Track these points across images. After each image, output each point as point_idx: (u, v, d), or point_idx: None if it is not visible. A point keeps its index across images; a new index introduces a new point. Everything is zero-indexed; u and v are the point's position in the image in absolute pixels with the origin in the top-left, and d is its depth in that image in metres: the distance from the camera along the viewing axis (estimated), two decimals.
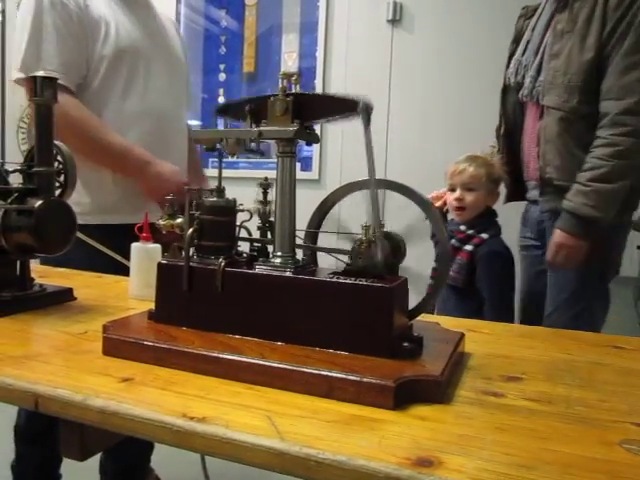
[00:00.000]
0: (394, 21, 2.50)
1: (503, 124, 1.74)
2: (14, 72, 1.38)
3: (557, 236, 1.49)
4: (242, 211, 0.75)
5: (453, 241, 1.64)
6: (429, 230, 0.74)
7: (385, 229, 0.73)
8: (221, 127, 0.75)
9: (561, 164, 1.50)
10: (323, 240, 0.79)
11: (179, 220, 0.78)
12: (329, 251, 0.76)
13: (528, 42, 1.62)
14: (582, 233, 1.46)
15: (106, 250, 1.31)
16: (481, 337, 0.85)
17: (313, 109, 0.70)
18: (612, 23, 1.40)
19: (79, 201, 1.32)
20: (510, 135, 1.72)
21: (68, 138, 1.23)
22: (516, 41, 1.69)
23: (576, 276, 1.54)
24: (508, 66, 1.68)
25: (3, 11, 3.40)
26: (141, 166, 1.38)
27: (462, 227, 1.67)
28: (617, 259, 1.64)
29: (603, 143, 1.43)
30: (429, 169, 2.31)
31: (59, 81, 1.21)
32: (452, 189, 1.69)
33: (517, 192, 1.75)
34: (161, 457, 1.66)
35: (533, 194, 1.67)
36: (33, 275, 0.97)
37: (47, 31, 1.33)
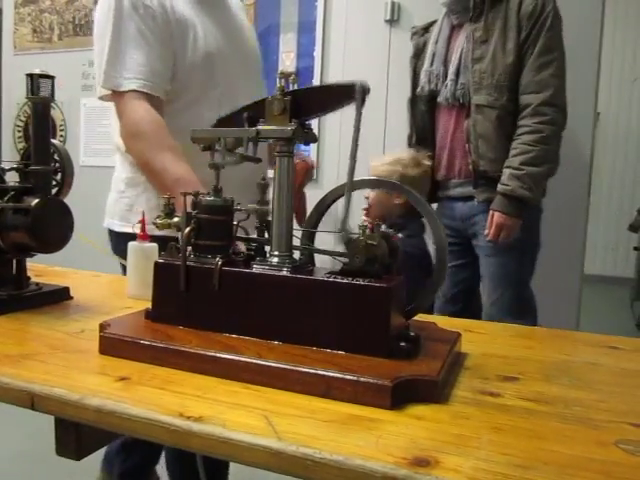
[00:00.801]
0: (392, 21, 2.49)
1: (414, 133, 1.92)
2: (98, 88, 1.27)
3: (497, 218, 1.67)
4: (239, 210, 0.75)
5: None
6: None
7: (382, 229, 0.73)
8: None
9: (494, 157, 1.68)
10: (322, 239, 0.79)
11: (176, 219, 0.78)
12: (326, 253, 0.76)
13: (434, 54, 1.85)
14: (518, 213, 1.67)
15: (104, 250, 1.30)
16: (478, 337, 0.86)
17: (311, 104, 0.70)
18: (526, 30, 1.65)
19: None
20: (421, 142, 1.89)
21: (130, 149, 1.24)
22: (416, 56, 1.93)
23: (513, 258, 1.74)
24: (414, 79, 1.91)
25: (0, 9, 3.39)
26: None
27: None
28: (538, 238, 1.85)
29: (527, 131, 1.63)
30: None
31: (147, 91, 1.19)
32: None
33: (431, 194, 1.92)
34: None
35: (459, 191, 1.82)
36: (29, 274, 0.96)
37: (130, 38, 1.20)
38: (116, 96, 1.22)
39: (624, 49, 5.80)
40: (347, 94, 0.67)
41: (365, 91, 0.66)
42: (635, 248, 4.97)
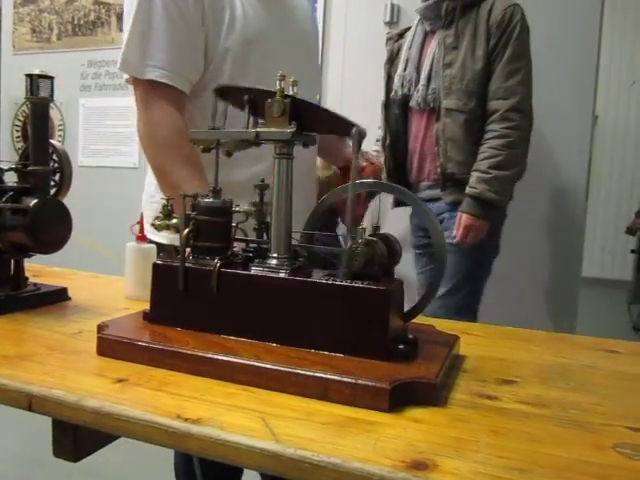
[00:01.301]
0: (391, 23, 2.50)
1: (388, 136, 1.96)
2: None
3: (464, 220, 1.71)
4: (238, 212, 0.75)
5: None
6: None
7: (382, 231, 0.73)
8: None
9: (462, 160, 1.73)
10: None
11: (174, 220, 0.78)
12: (325, 253, 0.76)
13: (407, 60, 1.89)
14: (485, 215, 1.70)
15: (103, 251, 1.30)
16: (476, 340, 0.86)
17: (308, 118, 0.70)
18: (495, 38, 1.71)
19: None
20: (395, 145, 1.93)
21: (144, 149, 1.15)
22: (390, 61, 1.98)
23: (471, 258, 1.77)
24: (388, 83, 1.95)
25: None
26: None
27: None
28: (499, 242, 1.88)
29: (496, 135, 1.69)
30: None
31: (165, 81, 1.08)
32: None
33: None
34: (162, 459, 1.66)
35: (428, 193, 1.87)
36: (27, 274, 0.96)
37: (155, 19, 1.07)
38: (135, 82, 1.13)
39: (622, 52, 5.82)
40: (344, 129, 0.67)
41: (361, 136, 0.66)
42: (632, 251, 4.98)
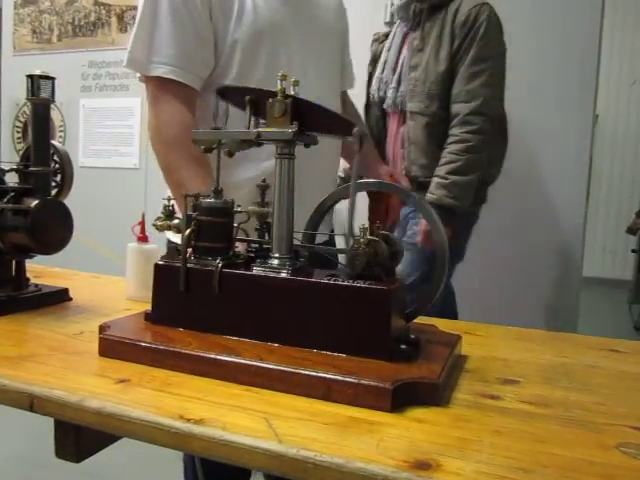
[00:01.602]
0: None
1: (371, 138, 1.95)
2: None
3: (424, 225, 1.69)
4: (239, 212, 0.75)
5: None
6: None
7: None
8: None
9: (425, 163, 1.71)
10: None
11: (176, 221, 0.78)
12: (327, 253, 0.76)
13: (385, 62, 1.86)
14: (445, 221, 1.66)
15: (104, 251, 1.30)
16: (478, 340, 0.86)
17: (310, 118, 0.70)
18: (459, 39, 1.66)
19: None
20: (377, 147, 1.89)
21: (153, 146, 1.13)
22: (373, 62, 1.94)
23: (427, 260, 1.72)
24: (369, 85, 1.92)
25: (0, 10, 3.39)
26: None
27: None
28: (464, 246, 1.85)
29: (455, 140, 1.65)
30: None
31: (172, 77, 1.06)
32: None
33: None
34: (163, 462, 1.66)
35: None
36: (28, 275, 0.96)
37: (162, 16, 1.06)
38: (146, 80, 1.12)
39: (623, 52, 5.81)
40: (346, 130, 0.67)
41: (363, 138, 0.66)
42: (633, 251, 4.98)
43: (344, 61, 1.37)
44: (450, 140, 1.67)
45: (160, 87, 1.09)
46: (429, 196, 1.68)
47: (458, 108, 1.67)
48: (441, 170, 1.66)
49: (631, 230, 4.87)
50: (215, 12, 1.08)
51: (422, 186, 1.72)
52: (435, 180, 1.67)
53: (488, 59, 1.67)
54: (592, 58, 2.15)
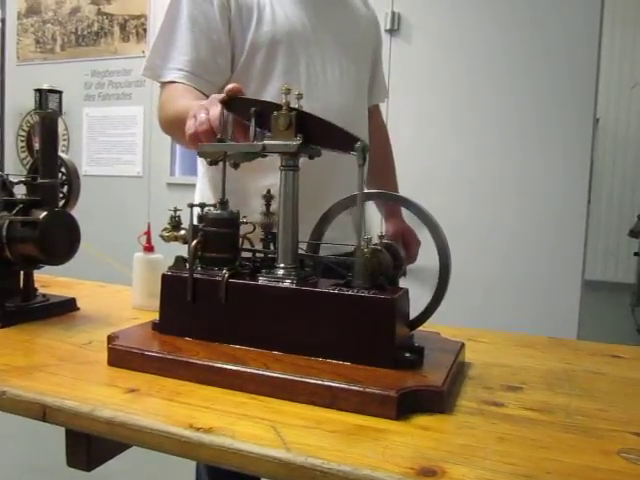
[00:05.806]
0: (392, 31, 2.51)
1: None
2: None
3: None
4: (245, 223, 0.76)
5: None
6: None
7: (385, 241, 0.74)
8: None
9: None
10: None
11: (182, 232, 0.79)
12: (330, 262, 0.77)
13: None
14: None
15: (109, 260, 1.31)
16: (481, 346, 0.86)
17: (314, 131, 0.71)
18: None
19: None
20: None
21: (170, 134, 1.12)
22: None
23: None
24: None
25: (3, 20, 3.42)
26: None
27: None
28: None
29: None
30: (426, 177, 2.32)
31: (184, 81, 1.07)
32: None
33: None
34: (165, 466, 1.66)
35: None
36: (35, 285, 0.97)
37: (180, 25, 1.09)
38: (161, 88, 1.13)
39: (623, 54, 5.83)
40: (348, 144, 0.68)
41: (365, 151, 0.67)
42: (635, 254, 4.97)
43: (375, 74, 1.34)
44: None
45: (172, 90, 1.10)
46: None
47: None
48: None
49: (633, 233, 4.87)
50: (234, 23, 1.09)
51: None
52: None
53: None
54: (592, 61, 2.16)
